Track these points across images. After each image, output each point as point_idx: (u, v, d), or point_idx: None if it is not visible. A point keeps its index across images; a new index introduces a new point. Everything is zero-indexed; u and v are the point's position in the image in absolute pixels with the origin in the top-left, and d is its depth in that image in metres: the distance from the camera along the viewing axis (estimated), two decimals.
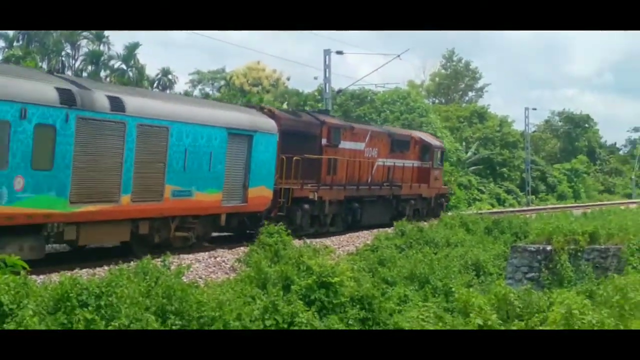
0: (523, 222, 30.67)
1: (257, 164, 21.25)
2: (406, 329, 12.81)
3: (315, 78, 67.26)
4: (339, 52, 41.60)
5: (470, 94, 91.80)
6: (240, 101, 53.78)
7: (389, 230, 26.80)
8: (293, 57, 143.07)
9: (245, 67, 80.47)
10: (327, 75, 40.78)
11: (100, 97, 16.11)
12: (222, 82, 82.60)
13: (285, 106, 64.21)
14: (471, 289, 15.94)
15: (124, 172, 16.67)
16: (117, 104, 16.42)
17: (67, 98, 15.04)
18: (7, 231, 14.32)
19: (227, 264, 18.82)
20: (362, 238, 26.00)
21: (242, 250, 19.96)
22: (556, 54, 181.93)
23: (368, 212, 27.97)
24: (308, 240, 21.58)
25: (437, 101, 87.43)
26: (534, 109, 72.07)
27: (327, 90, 41.53)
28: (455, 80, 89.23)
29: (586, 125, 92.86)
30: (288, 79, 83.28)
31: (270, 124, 22.15)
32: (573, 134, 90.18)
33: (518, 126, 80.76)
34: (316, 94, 63.59)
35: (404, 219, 27.36)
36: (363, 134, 28.56)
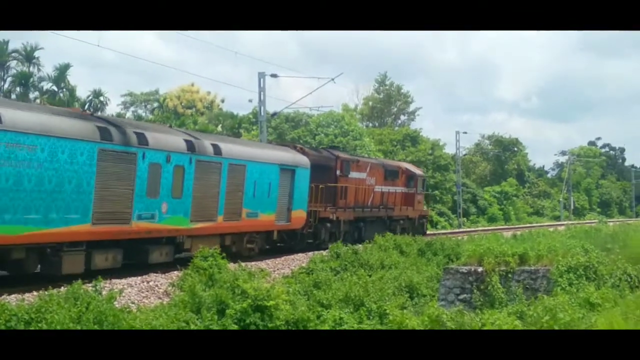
0: (455, 244, 31.15)
1: (297, 192, 27.51)
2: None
3: (250, 101, 67.55)
4: (274, 75, 41.71)
5: (402, 117, 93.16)
6: (174, 123, 53.33)
7: (324, 252, 26.90)
8: (227, 79, 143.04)
9: (178, 89, 79.98)
10: (261, 98, 40.83)
11: (207, 145, 22.40)
12: (156, 104, 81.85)
13: (219, 128, 63.99)
14: (405, 311, 16.08)
15: (220, 199, 22.92)
16: (217, 149, 22.72)
17: (190, 146, 21.35)
18: (154, 242, 20.56)
19: (160, 288, 18.58)
20: (298, 261, 26.02)
21: (175, 274, 19.74)
22: (485, 79, 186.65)
23: (369, 230, 33.60)
24: (243, 264, 21.50)
25: (370, 124, 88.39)
26: (465, 133, 73.80)
27: (262, 113, 41.56)
28: (388, 104, 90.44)
29: (515, 148, 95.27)
30: (222, 101, 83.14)
31: (304, 160, 28.56)
32: (502, 157, 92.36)
33: (449, 149, 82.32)
34: (251, 116, 63.62)
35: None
36: (365, 166, 34.80)
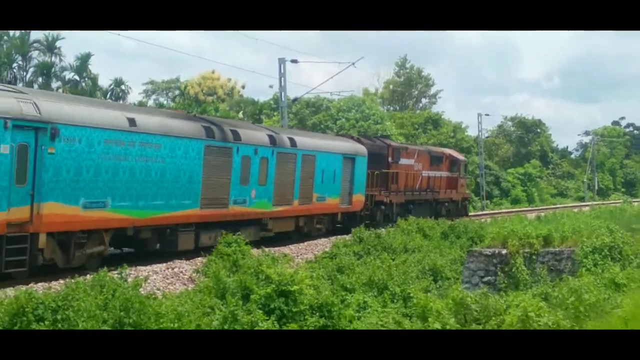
0: (478, 226, 31.07)
1: (356, 178, 30.91)
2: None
3: (271, 86, 67.41)
4: (294, 61, 41.61)
5: (423, 100, 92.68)
6: (196, 110, 53.52)
7: (347, 237, 26.93)
8: (247, 65, 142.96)
9: (199, 76, 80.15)
10: (282, 83, 40.79)
11: (285, 138, 25.86)
12: (177, 92, 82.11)
13: (241, 115, 64.06)
14: (429, 294, 16.06)
15: (295, 185, 26.35)
16: (292, 142, 26.16)
17: (272, 140, 24.78)
18: (244, 223, 23.51)
19: (185, 274, 18.71)
20: (321, 246, 26.07)
21: (200, 260, 19.87)
22: (507, 60, 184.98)
23: (417, 211, 35.43)
24: (267, 249, 21.60)
25: (391, 108, 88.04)
26: (487, 115, 72.65)
27: (283, 99, 41.53)
28: (409, 87, 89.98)
29: (538, 130, 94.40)
30: (243, 87, 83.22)
31: (362, 149, 31.84)
32: (525, 138, 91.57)
33: (471, 132, 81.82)
34: (272, 102, 63.60)
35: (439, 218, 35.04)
36: (413, 153, 37.98)
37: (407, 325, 14.06)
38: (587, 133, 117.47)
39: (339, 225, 30.56)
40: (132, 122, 18.57)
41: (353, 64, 41.90)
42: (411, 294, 16.39)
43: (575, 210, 46.72)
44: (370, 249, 24.45)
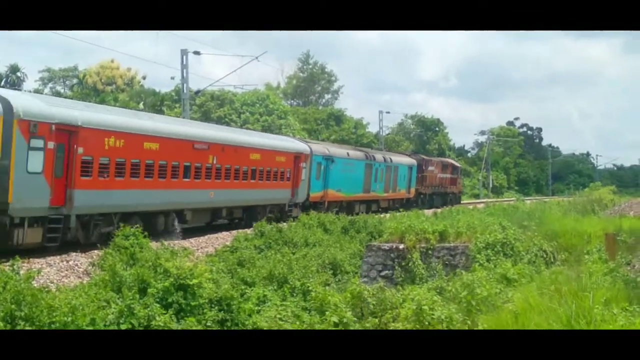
0: (378, 221, 31.57)
1: (412, 179, 53.54)
2: (265, 328, 12.89)
3: (173, 78, 66.32)
4: (197, 53, 41.24)
5: (326, 96, 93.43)
6: (94, 100, 52.16)
7: (248, 231, 26.87)
8: (148, 56, 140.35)
9: (98, 65, 78.11)
10: (184, 75, 40.29)
11: (387, 158, 50.14)
12: (75, 81, 79.80)
13: (141, 106, 62.84)
14: (328, 288, 16.24)
15: (390, 182, 49.30)
16: (389, 159, 49.60)
17: (384, 159, 49.00)
18: (373, 201, 47.26)
19: (80, 267, 18.24)
20: (222, 239, 25.91)
21: (96, 253, 19.40)
22: (405, 59, 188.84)
23: (435, 200, 58.83)
24: (166, 242, 21.28)
25: (295, 103, 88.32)
26: (388, 113, 74.46)
27: (185, 91, 41.02)
28: (312, 82, 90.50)
29: (437, 128, 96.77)
30: (144, 78, 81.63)
31: (413, 161, 54.64)
32: (425, 137, 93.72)
33: (372, 128, 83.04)
34: (173, 94, 62.72)
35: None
36: (433, 163, 60.32)
37: (306, 318, 14.19)
38: (482, 132, 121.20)
39: (397, 206, 50.02)
40: (348, 154, 43.08)
41: (256, 58, 41.95)
42: (310, 288, 16.53)
43: (471, 207, 48.20)
44: (272, 242, 24.47)
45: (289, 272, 18.96)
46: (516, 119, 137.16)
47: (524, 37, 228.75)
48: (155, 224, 24.13)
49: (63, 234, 19.97)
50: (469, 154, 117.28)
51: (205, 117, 57.26)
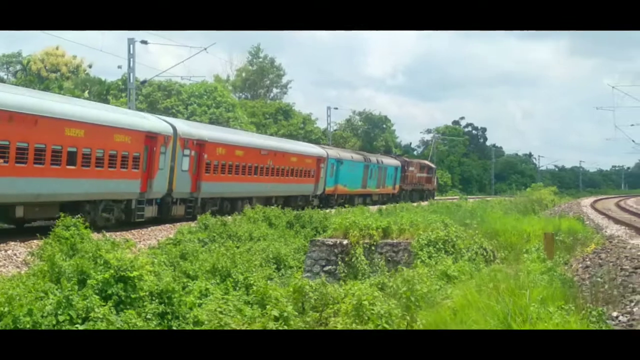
0: (323, 217, 31.68)
1: (398, 177, 63.95)
2: (204, 320, 12.85)
3: (120, 67, 65.45)
4: (144, 42, 40.68)
5: (275, 90, 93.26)
6: (38, 87, 51.10)
7: (192, 224, 26.71)
8: (95, 43, 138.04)
9: (42, 52, 76.54)
10: (131, 64, 39.75)
11: (379, 160, 60.07)
12: (19, 67, 78.07)
13: (86, 94, 61.80)
14: (271, 282, 16.24)
15: (381, 180, 59.66)
16: (381, 161, 60.05)
17: (377, 161, 58.65)
18: (368, 195, 58.08)
19: (19, 257, 17.92)
20: (165, 232, 25.71)
21: (35, 243, 19.07)
22: (354, 55, 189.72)
23: (414, 195, 67.73)
24: (108, 234, 21.02)
25: (243, 96, 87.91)
26: (336, 108, 74.64)
27: (132, 80, 40.48)
28: (261, 76, 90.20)
29: (384, 125, 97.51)
30: (90, 66, 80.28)
31: (398, 162, 64.77)
32: (372, 133, 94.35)
33: (321, 124, 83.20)
34: (120, 83, 61.84)
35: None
36: (413, 164, 69.91)
37: (248, 312, 14.18)
38: (429, 131, 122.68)
39: (377, 200, 58.32)
40: (352, 157, 52.86)
41: (205, 49, 41.66)
42: (252, 282, 16.52)
43: (415, 204, 48.77)
44: (216, 236, 24.38)
45: (232, 266, 18.89)
46: (462, 118, 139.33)
47: (471, 37, 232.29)
48: (236, 206, 34.43)
49: (193, 210, 30.29)
50: (415, 152, 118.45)
51: (152, 108, 56.62)
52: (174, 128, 28.59)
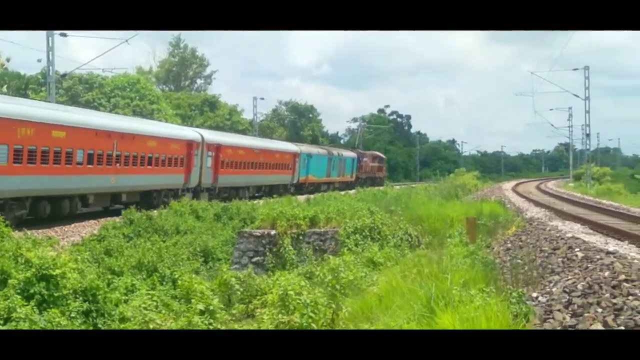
0: (251, 208, 31.59)
1: (355, 167, 74.60)
2: (128, 317, 12.72)
3: (39, 61, 63.76)
4: (63, 34, 39.69)
5: (199, 81, 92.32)
6: None
7: (117, 219, 26.31)
8: (12, 36, 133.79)
9: None
10: (50, 58, 38.75)
11: (341, 153, 72.53)
12: None
13: (5, 89, 59.97)
14: (197, 276, 16.17)
15: (340, 169, 69.76)
16: (341, 154, 71.70)
17: (338, 154, 69.42)
18: (331, 183, 66.79)
19: None
20: (89, 228, 25.27)
21: None
22: (279, 45, 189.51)
23: (369, 182, 75.32)
24: (29, 232, 20.54)
25: (167, 88, 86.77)
26: (262, 99, 74.43)
27: (51, 74, 39.48)
28: (184, 67, 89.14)
29: (310, 115, 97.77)
30: (8, 60, 77.79)
31: (354, 154, 75.99)
32: (298, 123, 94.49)
33: (247, 115, 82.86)
34: (39, 77, 60.25)
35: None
36: (367, 155, 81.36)
37: (176, 306, 14.11)
38: (355, 119, 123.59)
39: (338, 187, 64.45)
40: (318, 152, 64.00)
41: (126, 40, 40.98)
42: (177, 276, 16.41)
43: (342, 193, 49.11)
44: (141, 231, 24.08)
45: (158, 261, 18.75)
46: (387, 106, 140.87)
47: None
48: (243, 194, 43.86)
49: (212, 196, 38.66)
50: (341, 141, 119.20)
51: (73, 101, 55.32)
52: (202, 136, 39.90)
